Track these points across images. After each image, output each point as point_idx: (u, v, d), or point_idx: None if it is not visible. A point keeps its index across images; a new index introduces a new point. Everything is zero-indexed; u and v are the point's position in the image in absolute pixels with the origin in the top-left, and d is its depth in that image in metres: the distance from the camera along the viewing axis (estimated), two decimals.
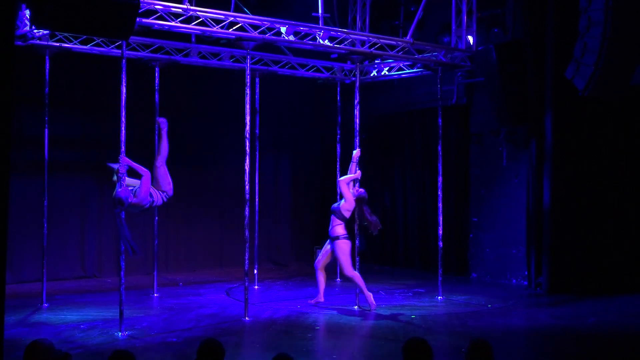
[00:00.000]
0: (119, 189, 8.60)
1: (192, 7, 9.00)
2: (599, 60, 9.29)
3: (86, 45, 10.62)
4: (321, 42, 10.12)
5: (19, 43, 9.58)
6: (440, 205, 11.24)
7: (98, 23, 7.73)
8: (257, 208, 12.44)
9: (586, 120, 11.69)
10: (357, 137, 10.37)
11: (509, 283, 12.61)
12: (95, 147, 12.93)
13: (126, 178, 8.69)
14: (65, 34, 10.22)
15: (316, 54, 12.48)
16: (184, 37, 11.25)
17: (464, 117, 13.64)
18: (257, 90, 12.29)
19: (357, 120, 10.39)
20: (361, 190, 10.30)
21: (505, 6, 12.47)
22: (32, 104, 11.66)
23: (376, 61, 12.88)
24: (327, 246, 10.41)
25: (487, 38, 12.41)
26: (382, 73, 12.95)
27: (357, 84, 10.52)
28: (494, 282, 12.75)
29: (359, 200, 10.22)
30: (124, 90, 8.59)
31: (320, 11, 10.59)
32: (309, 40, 10.08)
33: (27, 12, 9.14)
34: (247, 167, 9.44)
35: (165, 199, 9.55)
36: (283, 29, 9.73)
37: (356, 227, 10.24)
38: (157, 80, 11.18)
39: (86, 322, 9.11)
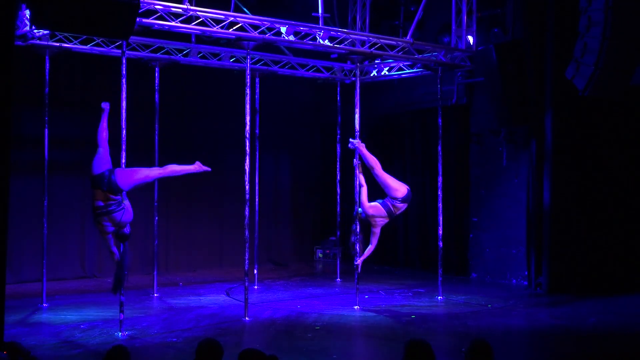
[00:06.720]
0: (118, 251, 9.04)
1: (192, 7, 9.00)
2: (599, 60, 9.29)
3: (86, 45, 10.62)
4: (321, 42, 10.11)
5: (19, 43, 9.57)
6: (440, 205, 11.24)
7: (98, 23, 7.73)
8: (257, 208, 12.44)
9: (586, 120, 11.69)
10: (358, 137, 10.36)
11: (509, 283, 12.61)
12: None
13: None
14: (65, 34, 10.22)
15: (316, 54, 12.48)
16: (184, 37, 11.25)
17: (464, 117, 13.63)
18: (257, 90, 12.29)
19: (358, 120, 10.39)
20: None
21: (505, 6, 12.48)
22: (32, 104, 11.65)
23: (376, 61, 12.87)
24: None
25: (487, 38, 12.41)
26: (382, 73, 12.94)
27: (357, 84, 10.52)
28: (494, 282, 12.75)
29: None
30: (124, 90, 8.60)
31: (320, 11, 10.58)
32: (309, 40, 10.08)
33: (27, 12, 9.14)
34: (247, 167, 9.44)
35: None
36: (283, 29, 9.72)
37: (357, 227, 10.22)
38: (157, 80, 11.18)
39: (86, 322, 9.12)
